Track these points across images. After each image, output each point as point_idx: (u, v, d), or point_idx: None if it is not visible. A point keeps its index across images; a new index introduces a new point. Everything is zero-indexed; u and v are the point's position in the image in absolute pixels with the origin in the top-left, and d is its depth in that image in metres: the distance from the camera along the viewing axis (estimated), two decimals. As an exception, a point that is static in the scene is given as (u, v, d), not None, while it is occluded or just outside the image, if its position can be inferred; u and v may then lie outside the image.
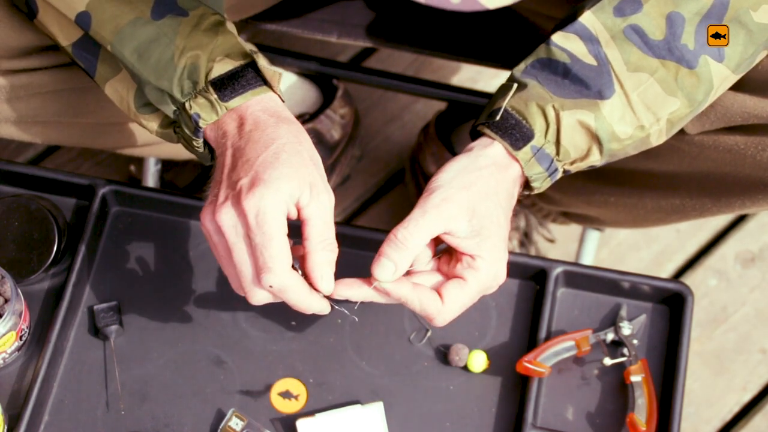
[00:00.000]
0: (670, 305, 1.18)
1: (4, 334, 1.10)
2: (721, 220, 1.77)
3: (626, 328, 1.15)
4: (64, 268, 1.19)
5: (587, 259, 1.62)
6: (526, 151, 0.99)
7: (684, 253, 1.75)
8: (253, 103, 0.98)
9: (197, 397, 1.14)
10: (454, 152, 1.59)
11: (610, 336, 1.15)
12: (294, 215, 0.96)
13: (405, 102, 1.83)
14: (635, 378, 1.12)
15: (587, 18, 0.98)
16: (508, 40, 1.39)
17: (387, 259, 0.97)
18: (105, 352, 1.16)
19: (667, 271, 1.74)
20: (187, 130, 1.00)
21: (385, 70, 1.68)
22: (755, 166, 1.11)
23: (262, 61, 0.99)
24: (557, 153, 0.99)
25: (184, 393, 1.14)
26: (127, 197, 1.22)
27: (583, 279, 1.18)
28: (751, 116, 1.06)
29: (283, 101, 1.01)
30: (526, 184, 1.02)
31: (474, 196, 0.98)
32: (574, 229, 1.69)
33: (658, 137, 1.00)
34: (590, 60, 0.97)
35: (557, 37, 0.99)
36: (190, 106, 0.99)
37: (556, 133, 0.98)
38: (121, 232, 1.22)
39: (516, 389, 1.14)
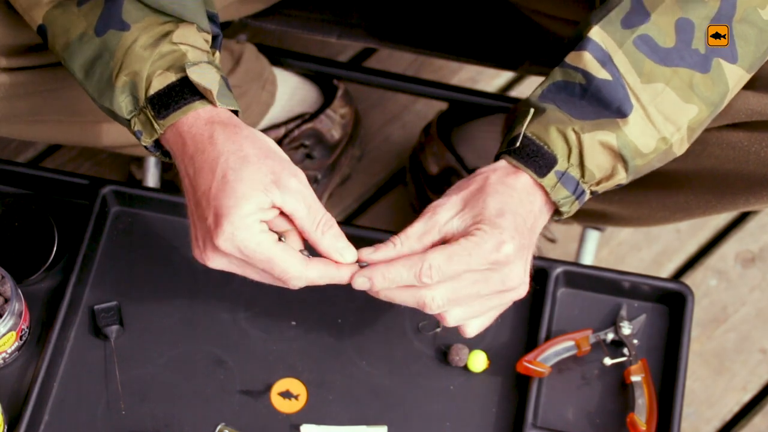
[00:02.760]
0: (670, 305, 1.18)
1: (4, 334, 1.10)
2: (721, 220, 1.77)
3: (626, 328, 1.15)
4: (64, 268, 1.19)
5: (587, 259, 1.62)
6: (551, 177, 0.97)
7: (684, 253, 1.75)
8: (190, 118, 0.96)
9: (197, 397, 1.14)
10: (455, 152, 1.59)
11: (610, 336, 1.15)
12: (275, 216, 0.96)
13: (405, 102, 1.83)
14: (635, 378, 1.12)
15: (596, 33, 0.97)
16: (508, 40, 1.39)
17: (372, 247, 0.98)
18: (105, 352, 1.16)
19: (667, 271, 1.74)
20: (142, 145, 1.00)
21: (385, 70, 1.68)
22: (759, 162, 1.11)
23: (196, 75, 0.95)
24: (582, 175, 0.98)
25: (184, 393, 1.14)
26: (127, 197, 1.22)
27: (583, 279, 1.18)
28: (755, 113, 1.06)
29: (236, 111, 0.99)
30: (556, 211, 1.01)
31: (467, 197, 0.97)
32: (574, 229, 1.69)
33: (680, 146, 0.99)
34: (605, 75, 0.96)
35: (569, 58, 0.98)
36: (134, 124, 0.98)
37: (579, 155, 0.97)
38: (121, 232, 1.22)
39: (516, 389, 1.14)
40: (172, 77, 0.96)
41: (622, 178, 0.99)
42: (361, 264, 0.97)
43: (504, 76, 1.86)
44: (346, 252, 0.97)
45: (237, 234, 0.93)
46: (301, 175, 0.96)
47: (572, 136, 0.97)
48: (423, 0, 1.40)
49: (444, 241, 0.97)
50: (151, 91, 0.96)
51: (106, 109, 0.99)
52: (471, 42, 1.40)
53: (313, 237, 0.96)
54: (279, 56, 1.60)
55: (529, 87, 1.84)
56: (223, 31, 1.64)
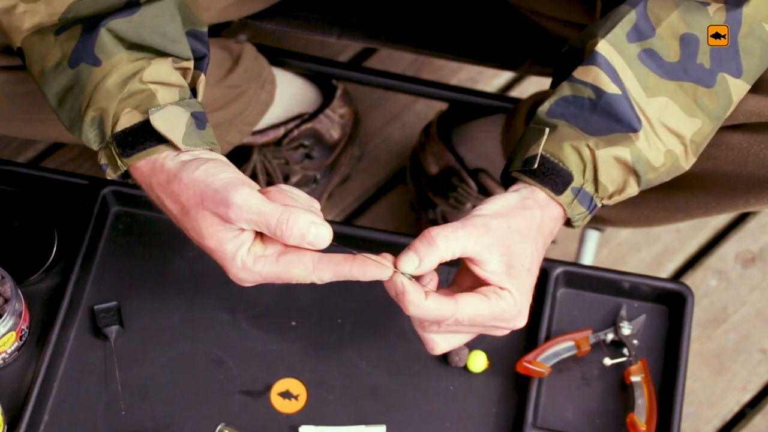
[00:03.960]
0: (670, 305, 1.18)
1: (4, 335, 1.10)
2: (721, 220, 1.77)
3: (626, 328, 1.15)
4: (64, 268, 1.19)
5: (587, 259, 1.62)
6: (567, 194, 0.98)
7: (684, 253, 1.75)
8: (149, 164, 0.97)
9: (197, 397, 1.14)
10: (455, 152, 1.59)
11: (610, 336, 1.15)
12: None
13: (405, 102, 1.83)
14: (635, 378, 1.12)
15: (603, 47, 0.96)
16: (508, 40, 1.39)
17: (413, 252, 0.94)
18: (105, 352, 1.16)
19: (667, 271, 1.74)
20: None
21: (385, 70, 1.68)
22: (758, 164, 1.11)
23: (159, 122, 0.95)
24: (596, 190, 0.98)
25: (184, 393, 1.14)
26: (127, 197, 1.22)
27: (583, 279, 1.18)
28: (754, 115, 1.06)
29: (217, 152, 0.98)
30: (567, 222, 1.01)
31: (513, 234, 0.96)
32: (575, 229, 1.70)
33: (685, 159, 1.00)
34: (614, 89, 0.96)
35: (578, 73, 0.97)
36: (101, 157, 0.99)
37: (594, 171, 0.97)
38: (121, 232, 1.22)
39: (516, 389, 1.14)
40: (138, 117, 0.96)
41: (633, 191, 1.00)
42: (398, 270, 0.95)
43: (504, 76, 1.86)
44: (318, 240, 0.93)
45: (240, 275, 0.96)
46: (237, 195, 0.93)
47: (586, 152, 0.97)
48: (423, 0, 1.40)
49: (470, 260, 0.96)
50: (118, 128, 0.96)
51: (78, 139, 1.00)
52: (471, 42, 1.40)
53: (280, 242, 0.95)
54: (279, 56, 1.60)
55: (529, 87, 1.84)
56: (223, 31, 1.65)
